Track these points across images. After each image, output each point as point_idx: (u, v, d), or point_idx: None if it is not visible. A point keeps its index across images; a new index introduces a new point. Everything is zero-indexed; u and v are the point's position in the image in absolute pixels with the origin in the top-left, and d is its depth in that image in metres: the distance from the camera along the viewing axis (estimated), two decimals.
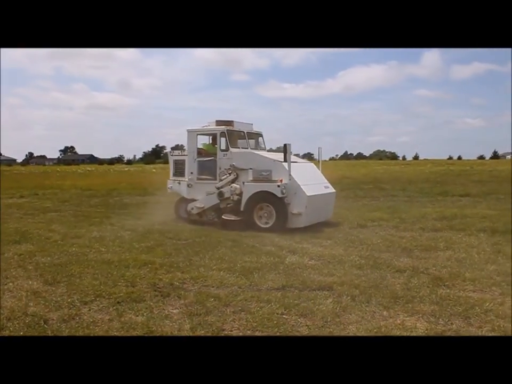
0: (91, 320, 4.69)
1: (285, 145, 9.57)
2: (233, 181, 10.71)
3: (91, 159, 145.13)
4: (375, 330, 4.31)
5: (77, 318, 4.77)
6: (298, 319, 4.65)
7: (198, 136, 11.59)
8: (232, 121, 11.31)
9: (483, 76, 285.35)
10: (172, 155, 12.53)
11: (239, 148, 11.30)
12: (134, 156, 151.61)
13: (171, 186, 12.16)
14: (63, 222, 11.73)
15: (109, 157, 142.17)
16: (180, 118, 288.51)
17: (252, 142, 11.96)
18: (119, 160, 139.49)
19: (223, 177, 10.83)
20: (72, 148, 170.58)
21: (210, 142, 11.81)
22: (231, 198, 10.62)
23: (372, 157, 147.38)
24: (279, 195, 9.78)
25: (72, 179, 33.83)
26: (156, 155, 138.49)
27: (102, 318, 4.77)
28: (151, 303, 5.19)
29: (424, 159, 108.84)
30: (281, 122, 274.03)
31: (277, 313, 4.79)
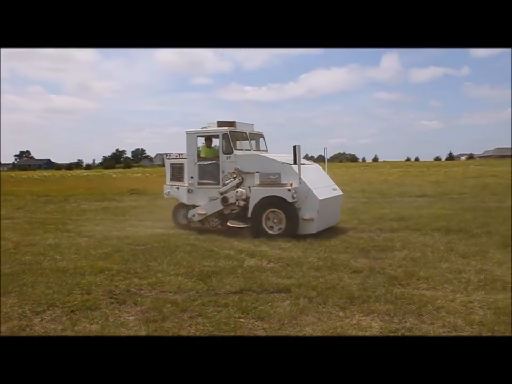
0: (42, 330, 4.57)
1: (295, 146, 9.13)
2: (238, 186, 10.12)
3: (48, 164, 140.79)
4: (330, 331, 4.37)
5: (28, 329, 4.62)
6: (256, 322, 4.67)
7: (198, 138, 10.90)
8: (234, 121, 10.68)
9: (440, 79, 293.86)
10: (168, 158, 11.75)
11: (241, 149, 10.70)
12: (94, 160, 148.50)
13: (168, 192, 11.46)
14: (17, 229, 11.35)
15: (67, 162, 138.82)
16: (140, 122, 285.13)
17: (253, 143, 11.35)
18: (77, 165, 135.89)
19: (226, 182, 10.21)
20: (28, 152, 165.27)
21: (204, 144, 11.12)
22: (237, 204, 10.03)
23: (332, 159, 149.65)
24: (290, 200, 9.30)
25: (28, 185, 32.77)
26: (116, 159, 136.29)
27: (54, 328, 4.64)
28: (107, 311, 5.09)
29: (384, 161, 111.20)
30: None
31: (234, 317, 4.79)
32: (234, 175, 10.14)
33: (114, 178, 41.87)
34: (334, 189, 10.73)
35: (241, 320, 4.73)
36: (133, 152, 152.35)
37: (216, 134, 10.55)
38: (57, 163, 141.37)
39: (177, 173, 11.39)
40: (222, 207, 10.27)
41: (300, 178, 9.30)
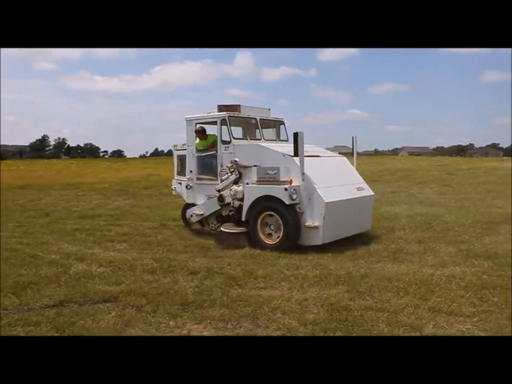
0: None
1: (296, 133, 7.18)
2: (235, 182, 8.34)
3: None
4: None
5: None
6: None
7: (198, 125, 9.21)
8: (239, 105, 9.06)
9: (289, 79, 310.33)
10: (176, 149, 10.12)
11: (243, 138, 9.09)
12: None
13: (175, 187, 10.01)
14: None
15: None
16: None
17: (270, 131, 9.70)
18: None
19: (224, 177, 8.47)
20: None
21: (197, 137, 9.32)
22: (232, 204, 8.30)
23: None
24: (287, 201, 7.39)
25: None
26: None
27: None
28: None
29: None
30: (90, 117, 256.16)
31: None
32: (232, 169, 8.41)
33: None
34: (360, 188, 8.64)
35: None
36: None
37: (215, 119, 8.85)
38: None
39: (183, 165, 9.79)
40: (219, 207, 8.64)
41: (303, 174, 7.47)
